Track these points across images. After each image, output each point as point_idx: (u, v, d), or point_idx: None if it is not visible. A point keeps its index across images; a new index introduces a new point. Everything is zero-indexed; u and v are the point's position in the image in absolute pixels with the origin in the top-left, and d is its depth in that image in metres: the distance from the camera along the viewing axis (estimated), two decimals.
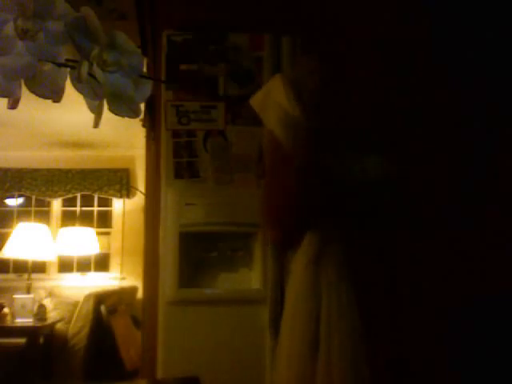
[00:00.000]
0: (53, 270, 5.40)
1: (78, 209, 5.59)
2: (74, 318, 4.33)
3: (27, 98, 0.65)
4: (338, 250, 1.39)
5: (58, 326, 4.37)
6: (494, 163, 1.79)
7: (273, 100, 1.41)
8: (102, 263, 5.47)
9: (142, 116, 2.38)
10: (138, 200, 5.28)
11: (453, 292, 1.54)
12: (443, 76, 1.88)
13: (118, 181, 5.47)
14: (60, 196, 5.49)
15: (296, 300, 1.43)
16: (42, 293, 4.78)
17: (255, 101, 1.50)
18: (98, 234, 5.33)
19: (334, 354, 1.38)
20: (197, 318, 1.93)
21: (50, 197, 5.48)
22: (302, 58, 1.49)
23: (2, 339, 3.98)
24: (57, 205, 5.58)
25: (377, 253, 1.46)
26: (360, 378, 1.37)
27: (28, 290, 4.50)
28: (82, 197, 5.58)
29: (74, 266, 5.43)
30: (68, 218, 5.52)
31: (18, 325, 4.04)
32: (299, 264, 1.41)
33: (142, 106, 0.76)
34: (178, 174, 1.98)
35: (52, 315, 4.42)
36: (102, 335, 4.15)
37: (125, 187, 5.47)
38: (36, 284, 4.83)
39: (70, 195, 5.50)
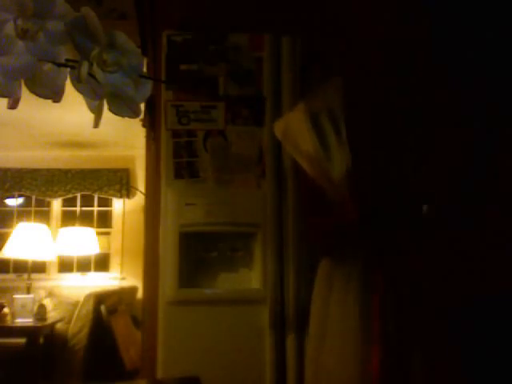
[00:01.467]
0: (53, 270, 5.39)
1: (78, 209, 5.59)
2: (74, 318, 4.33)
3: (27, 98, 0.65)
4: (349, 259, 1.48)
5: (58, 326, 4.37)
6: (494, 163, 1.79)
7: (295, 131, 1.50)
8: (101, 263, 5.47)
9: (142, 116, 2.38)
10: (138, 200, 5.27)
11: (453, 292, 1.54)
12: (443, 76, 1.88)
13: (117, 181, 5.47)
14: (60, 196, 5.49)
15: (313, 299, 1.60)
16: (42, 293, 4.78)
17: (278, 128, 1.61)
18: (98, 233, 5.33)
19: (336, 347, 1.46)
20: (197, 318, 1.93)
21: (50, 197, 5.48)
22: (324, 85, 1.60)
23: (2, 339, 3.98)
24: (57, 205, 5.58)
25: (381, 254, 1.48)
26: (355, 366, 1.43)
27: (28, 290, 4.50)
28: (82, 197, 5.58)
29: (74, 266, 5.42)
30: (68, 218, 5.52)
31: (18, 325, 4.04)
32: (319, 273, 1.58)
33: (142, 106, 0.76)
34: (178, 174, 1.98)
35: (52, 315, 4.42)
36: (102, 335, 4.15)
37: (125, 187, 5.47)
38: (36, 284, 4.83)
39: (70, 195, 5.50)
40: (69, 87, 0.61)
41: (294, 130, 1.55)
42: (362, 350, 1.46)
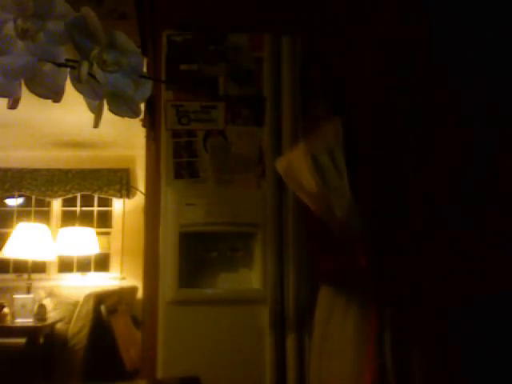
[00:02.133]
0: (53, 269, 5.39)
1: (78, 209, 5.59)
2: (74, 318, 4.33)
3: (27, 98, 0.65)
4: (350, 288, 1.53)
5: (58, 326, 4.37)
6: (494, 163, 1.79)
7: (297, 170, 1.56)
8: (101, 263, 5.47)
9: (142, 116, 2.38)
10: (138, 200, 5.27)
11: (453, 292, 1.54)
12: (443, 76, 1.88)
13: (117, 181, 5.47)
14: (60, 196, 5.49)
15: (317, 309, 1.65)
16: (42, 293, 4.77)
17: (280, 166, 1.68)
18: (98, 233, 5.33)
19: (336, 349, 1.47)
20: (197, 318, 1.93)
21: (50, 197, 5.48)
22: (324, 126, 1.66)
23: (2, 339, 3.97)
24: (57, 205, 5.58)
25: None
26: (353, 369, 1.45)
27: (28, 290, 4.50)
28: (82, 197, 5.58)
29: (74, 266, 5.42)
30: (68, 218, 5.52)
31: (18, 325, 4.04)
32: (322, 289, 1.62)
33: (142, 106, 0.76)
34: (178, 174, 1.98)
35: (52, 315, 4.42)
36: (102, 335, 4.15)
37: (125, 187, 5.47)
38: (36, 284, 4.83)
39: (70, 195, 5.50)
40: (69, 87, 0.61)
41: (296, 168, 1.61)
42: (360, 351, 1.47)
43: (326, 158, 1.53)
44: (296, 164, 1.61)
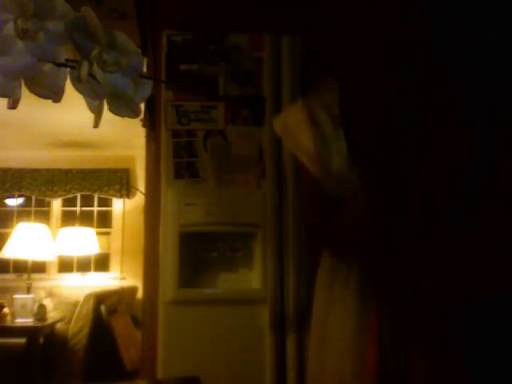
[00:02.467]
0: (53, 269, 5.39)
1: (78, 209, 5.59)
2: (74, 318, 4.33)
3: (27, 98, 0.65)
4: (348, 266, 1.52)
5: (58, 326, 4.37)
6: (494, 163, 1.79)
7: (294, 127, 1.55)
8: (102, 263, 5.47)
9: (142, 116, 2.38)
10: (138, 200, 5.28)
11: (453, 292, 1.54)
12: (443, 76, 1.88)
13: (117, 181, 5.47)
14: (60, 196, 5.49)
15: (315, 295, 1.63)
16: (42, 293, 4.78)
17: (277, 124, 1.67)
18: (98, 233, 5.33)
19: (334, 346, 1.47)
20: (197, 318, 1.93)
21: (50, 197, 5.48)
22: (320, 86, 1.66)
23: (2, 339, 3.98)
24: (57, 205, 5.58)
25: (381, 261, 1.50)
26: (354, 366, 1.45)
27: (28, 290, 4.50)
28: (82, 197, 5.58)
29: (74, 266, 5.42)
30: (68, 218, 5.52)
31: (18, 325, 4.04)
32: (320, 276, 1.62)
33: (142, 106, 0.76)
34: (178, 174, 1.98)
35: (52, 315, 4.42)
36: (102, 335, 4.15)
37: (125, 187, 5.47)
38: (36, 284, 4.83)
39: (70, 195, 5.50)
40: (69, 87, 0.61)
41: (293, 125, 1.59)
42: (359, 349, 1.47)
43: (322, 113, 1.54)
44: (293, 122, 1.61)
